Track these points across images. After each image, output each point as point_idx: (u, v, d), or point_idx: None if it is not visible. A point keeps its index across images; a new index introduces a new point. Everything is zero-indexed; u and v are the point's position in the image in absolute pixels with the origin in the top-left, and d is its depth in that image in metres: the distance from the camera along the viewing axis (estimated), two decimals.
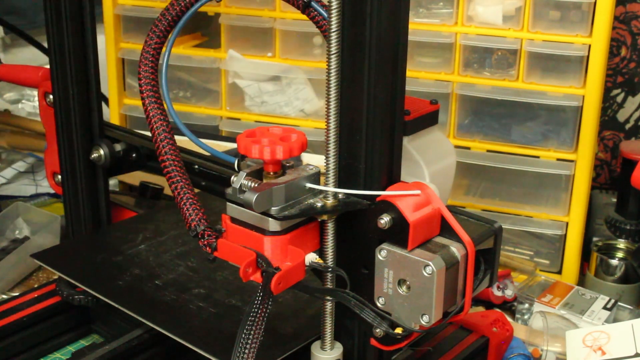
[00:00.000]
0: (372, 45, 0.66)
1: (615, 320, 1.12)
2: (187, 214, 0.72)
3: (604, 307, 1.12)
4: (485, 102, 1.30)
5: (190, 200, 0.72)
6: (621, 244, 1.27)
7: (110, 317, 1.01)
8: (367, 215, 0.70)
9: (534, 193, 1.31)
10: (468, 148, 1.31)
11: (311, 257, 0.70)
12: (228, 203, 0.70)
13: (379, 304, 0.71)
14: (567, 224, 1.28)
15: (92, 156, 1.03)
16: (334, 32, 0.66)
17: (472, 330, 0.95)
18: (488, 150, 1.30)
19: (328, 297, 0.73)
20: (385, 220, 0.68)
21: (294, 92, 1.40)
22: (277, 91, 1.41)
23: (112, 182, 1.46)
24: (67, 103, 1.01)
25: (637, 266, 1.21)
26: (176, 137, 0.76)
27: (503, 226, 0.74)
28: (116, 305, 0.89)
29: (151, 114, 0.76)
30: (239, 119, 1.44)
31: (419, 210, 0.68)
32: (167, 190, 0.75)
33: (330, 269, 0.72)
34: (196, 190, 0.75)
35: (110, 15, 1.44)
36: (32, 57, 1.86)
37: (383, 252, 0.69)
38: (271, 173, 0.70)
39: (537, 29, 1.23)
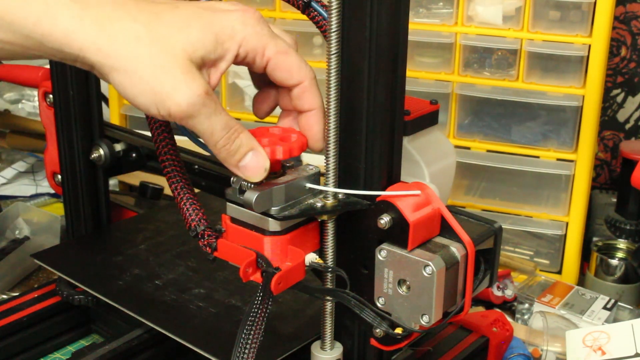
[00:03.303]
0: (372, 45, 0.66)
1: (615, 320, 1.12)
2: (187, 214, 0.72)
3: (604, 307, 1.12)
4: (485, 102, 1.30)
5: (190, 200, 0.72)
6: (621, 244, 1.27)
7: (110, 317, 1.01)
8: (367, 215, 0.70)
9: (533, 193, 1.31)
10: (468, 148, 1.31)
11: (311, 257, 0.70)
12: (228, 203, 0.70)
13: (379, 304, 0.71)
14: (567, 224, 1.28)
15: (92, 156, 1.03)
16: (334, 32, 0.66)
17: (472, 330, 0.95)
18: (488, 150, 1.30)
19: (328, 297, 0.73)
20: (385, 220, 0.68)
21: None
22: None
23: (112, 182, 1.46)
24: (67, 103, 1.01)
25: (637, 266, 1.21)
26: (176, 137, 0.76)
27: (503, 226, 0.74)
28: (116, 305, 0.89)
29: None
30: (239, 119, 1.43)
31: (419, 211, 0.68)
32: (167, 190, 0.75)
33: (330, 269, 0.72)
34: (196, 190, 0.75)
35: None
36: None
37: (383, 252, 0.69)
38: (271, 173, 0.70)
39: (537, 29, 1.23)
